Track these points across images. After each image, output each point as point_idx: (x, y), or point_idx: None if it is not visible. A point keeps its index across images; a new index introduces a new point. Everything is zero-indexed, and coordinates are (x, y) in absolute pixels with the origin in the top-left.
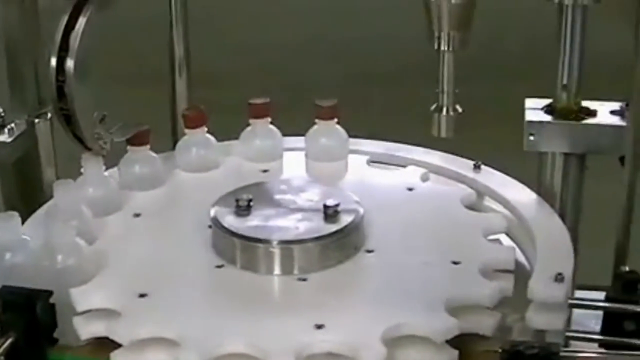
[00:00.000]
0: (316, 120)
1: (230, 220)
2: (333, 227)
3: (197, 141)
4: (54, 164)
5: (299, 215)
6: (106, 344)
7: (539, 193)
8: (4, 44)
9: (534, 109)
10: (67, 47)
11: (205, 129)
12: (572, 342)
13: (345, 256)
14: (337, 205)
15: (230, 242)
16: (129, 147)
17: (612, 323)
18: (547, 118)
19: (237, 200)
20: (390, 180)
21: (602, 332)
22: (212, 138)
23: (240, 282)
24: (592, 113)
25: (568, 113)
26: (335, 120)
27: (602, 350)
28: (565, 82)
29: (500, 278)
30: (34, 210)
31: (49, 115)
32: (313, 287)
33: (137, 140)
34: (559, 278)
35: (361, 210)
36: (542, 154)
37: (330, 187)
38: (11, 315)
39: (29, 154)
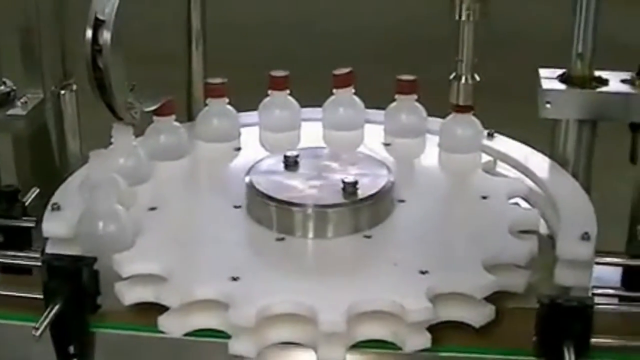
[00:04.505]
0: (333, 90)
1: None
2: None
3: (219, 111)
4: (79, 135)
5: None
6: (146, 310)
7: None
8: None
9: (549, 78)
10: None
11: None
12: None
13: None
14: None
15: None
16: (155, 117)
17: (634, 279)
18: (562, 87)
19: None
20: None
21: (625, 288)
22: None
23: (281, 245)
24: (604, 82)
25: (582, 82)
26: (352, 89)
27: (633, 303)
28: (580, 50)
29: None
30: (47, 183)
31: (74, 87)
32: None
33: (163, 110)
34: (585, 237)
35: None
36: (556, 122)
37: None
38: (57, 282)
39: (43, 127)
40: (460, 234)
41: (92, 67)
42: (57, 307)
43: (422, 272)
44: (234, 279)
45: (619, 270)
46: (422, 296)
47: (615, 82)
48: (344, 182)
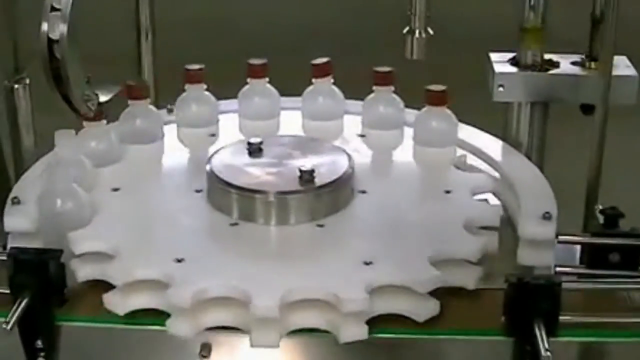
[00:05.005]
0: (313, 80)
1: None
2: None
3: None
4: (33, 130)
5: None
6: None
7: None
8: None
9: (500, 62)
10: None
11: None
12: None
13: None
14: None
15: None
16: (130, 101)
17: (596, 257)
18: (514, 70)
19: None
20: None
21: (587, 266)
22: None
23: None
24: (555, 64)
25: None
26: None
27: (597, 279)
28: (532, 2)
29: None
30: None
31: (27, 81)
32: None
33: (137, 93)
34: (546, 216)
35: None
36: (509, 105)
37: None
38: (24, 276)
39: None
40: (414, 227)
41: (49, 58)
42: (25, 300)
43: (367, 263)
44: (179, 260)
45: (577, 251)
46: (359, 287)
47: (565, 64)
48: (300, 170)
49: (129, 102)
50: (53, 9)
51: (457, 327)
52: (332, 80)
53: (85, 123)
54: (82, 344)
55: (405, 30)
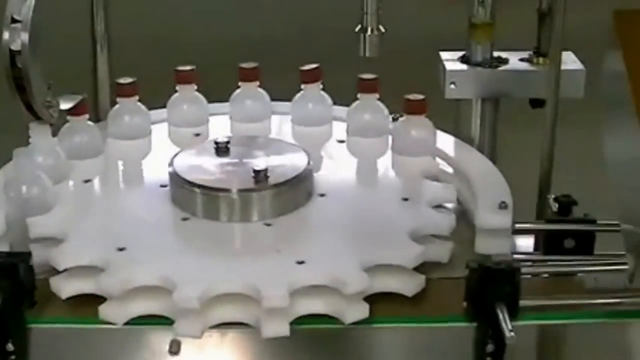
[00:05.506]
0: (302, 86)
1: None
2: None
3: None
4: None
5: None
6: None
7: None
8: None
9: (451, 60)
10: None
11: None
12: None
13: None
14: None
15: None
16: (69, 117)
17: (552, 244)
18: (465, 67)
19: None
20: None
21: (543, 253)
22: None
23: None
24: (504, 61)
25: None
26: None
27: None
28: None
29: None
30: None
31: None
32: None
33: (77, 110)
34: (502, 206)
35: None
36: (460, 102)
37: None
38: None
39: None
40: (384, 213)
41: (10, 67)
42: None
43: (299, 263)
44: (120, 249)
45: (531, 240)
46: (282, 284)
47: (514, 60)
48: (254, 169)
49: (69, 118)
50: (14, 20)
51: (418, 314)
52: (320, 86)
53: (69, 117)
54: (50, 345)
55: (357, 29)
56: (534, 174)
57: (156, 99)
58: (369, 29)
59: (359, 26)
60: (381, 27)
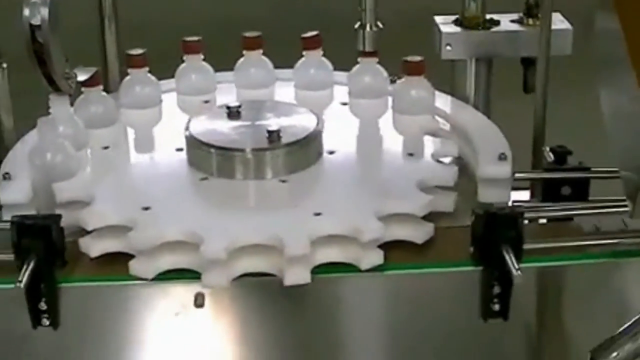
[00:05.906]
0: (303, 52)
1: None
2: None
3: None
4: (12, 111)
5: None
6: (111, 262)
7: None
8: None
9: (446, 23)
10: None
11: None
12: None
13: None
14: None
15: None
16: (84, 89)
17: (549, 191)
18: (459, 29)
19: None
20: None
21: (541, 201)
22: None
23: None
24: (496, 23)
25: (475, 25)
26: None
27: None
28: None
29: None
30: None
31: (5, 65)
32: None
33: (92, 81)
34: (502, 157)
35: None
36: (455, 63)
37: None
38: (30, 240)
39: None
40: (392, 168)
41: (32, 41)
42: (32, 264)
43: (316, 214)
44: (145, 208)
45: (527, 194)
46: (304, 234)
47: (505, 22)
48: (268, 130)
49: (83, 89)
50: None
51: (427, 261)
52: (321, 52)
53: (83, 88)
54: (79, 304)
55: (356, 26)
56: (527, 134)
57: (160, 73)
58: (368, 26)
59: (358, 23)
60: (379, 24)
